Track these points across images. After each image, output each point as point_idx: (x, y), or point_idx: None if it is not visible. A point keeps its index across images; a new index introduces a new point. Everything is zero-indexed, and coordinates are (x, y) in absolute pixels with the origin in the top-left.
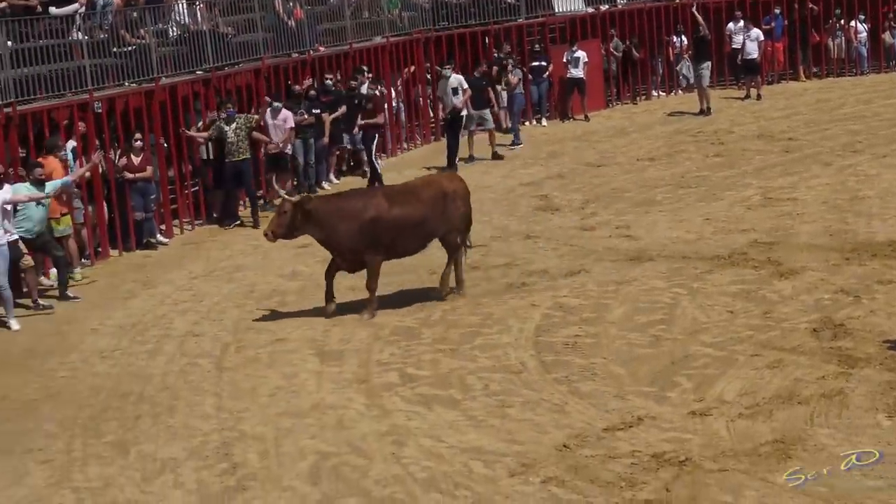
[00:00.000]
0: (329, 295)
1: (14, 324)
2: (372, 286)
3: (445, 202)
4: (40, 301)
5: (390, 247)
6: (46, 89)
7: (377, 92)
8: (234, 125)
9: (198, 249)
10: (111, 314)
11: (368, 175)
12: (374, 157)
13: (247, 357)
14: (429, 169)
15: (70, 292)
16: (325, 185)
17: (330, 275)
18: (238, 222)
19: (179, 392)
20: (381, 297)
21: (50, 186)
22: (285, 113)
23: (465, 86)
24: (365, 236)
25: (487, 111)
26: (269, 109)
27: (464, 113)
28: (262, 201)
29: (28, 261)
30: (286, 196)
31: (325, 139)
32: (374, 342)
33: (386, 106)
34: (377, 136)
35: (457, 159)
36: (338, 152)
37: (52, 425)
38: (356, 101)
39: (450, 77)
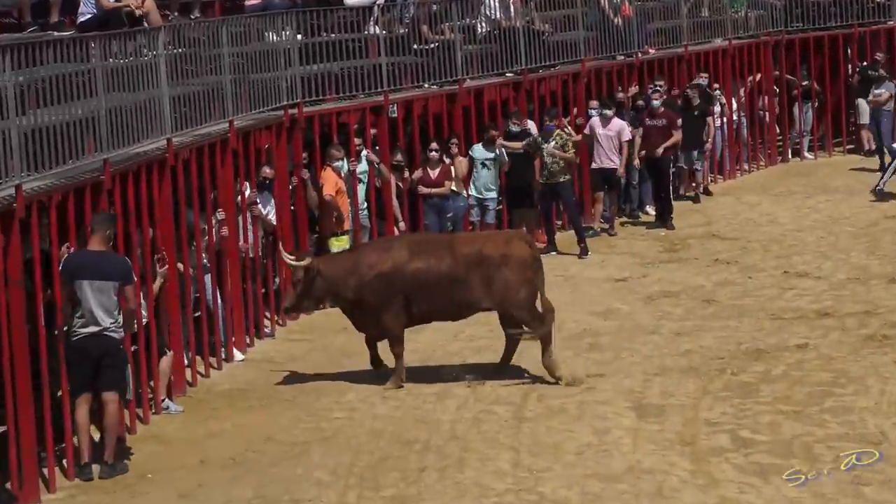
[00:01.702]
0: (375, 361)
1: (237, 354)
2: (396, 350)
3: (484, 267)
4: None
5: (412, 306)
6: (337, 89)
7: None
8: (552, 143)
9: None
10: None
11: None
12: (670, 188)
13: (551, 407)
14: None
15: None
16: (649, 208)
17: (370, 344)
18: (554, 252)
19: (471, 443)
20: (702, 346)
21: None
22: (618, 123)
23: None
24: (378, 294)
25: None
26: (597, 116)
27: None
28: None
29: None
30: (292, 261)
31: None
32: (703, 397)
33: (723, 120)
34: (672, 159)
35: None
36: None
37: (323, 473)
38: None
39: None
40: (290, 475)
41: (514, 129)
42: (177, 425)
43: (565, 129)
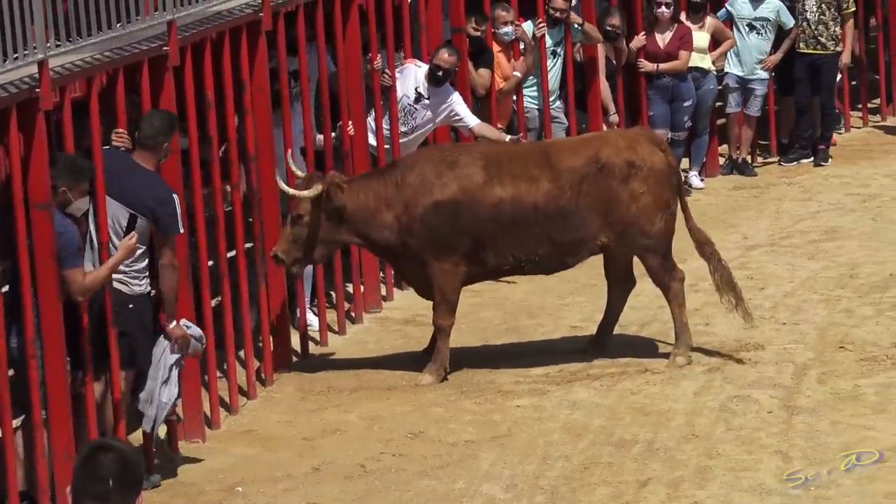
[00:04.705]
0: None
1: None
2: (442, 322)
3: (601, 182)
4: None
5: (486, 254)
6: None
7: None
8: None
9: (760, 196)
10: (591, 302)
11: None
12: None
13: (837, 391)
14: None
15: None
16: None
17: None
18: (820, 161)
19: (717, 445)
20: None
21: None
22: None
23: None
24: (432, 235)
25: None
26: None
27: None
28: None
29: None
30: (292, 191)
31: None
32: None
33: None
34: None
35: None
36: None
37: (496, 487)
38: None
39: None
40: (446, 490)
41: None
42: (280, 416)
43: None
